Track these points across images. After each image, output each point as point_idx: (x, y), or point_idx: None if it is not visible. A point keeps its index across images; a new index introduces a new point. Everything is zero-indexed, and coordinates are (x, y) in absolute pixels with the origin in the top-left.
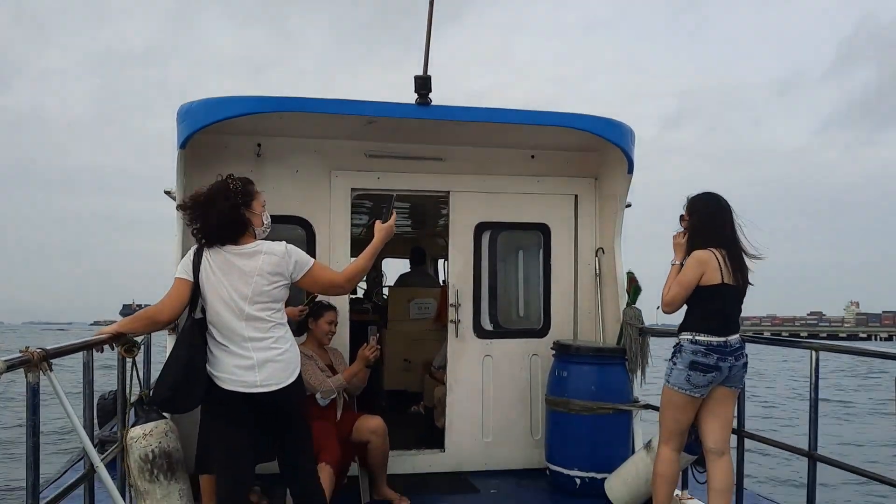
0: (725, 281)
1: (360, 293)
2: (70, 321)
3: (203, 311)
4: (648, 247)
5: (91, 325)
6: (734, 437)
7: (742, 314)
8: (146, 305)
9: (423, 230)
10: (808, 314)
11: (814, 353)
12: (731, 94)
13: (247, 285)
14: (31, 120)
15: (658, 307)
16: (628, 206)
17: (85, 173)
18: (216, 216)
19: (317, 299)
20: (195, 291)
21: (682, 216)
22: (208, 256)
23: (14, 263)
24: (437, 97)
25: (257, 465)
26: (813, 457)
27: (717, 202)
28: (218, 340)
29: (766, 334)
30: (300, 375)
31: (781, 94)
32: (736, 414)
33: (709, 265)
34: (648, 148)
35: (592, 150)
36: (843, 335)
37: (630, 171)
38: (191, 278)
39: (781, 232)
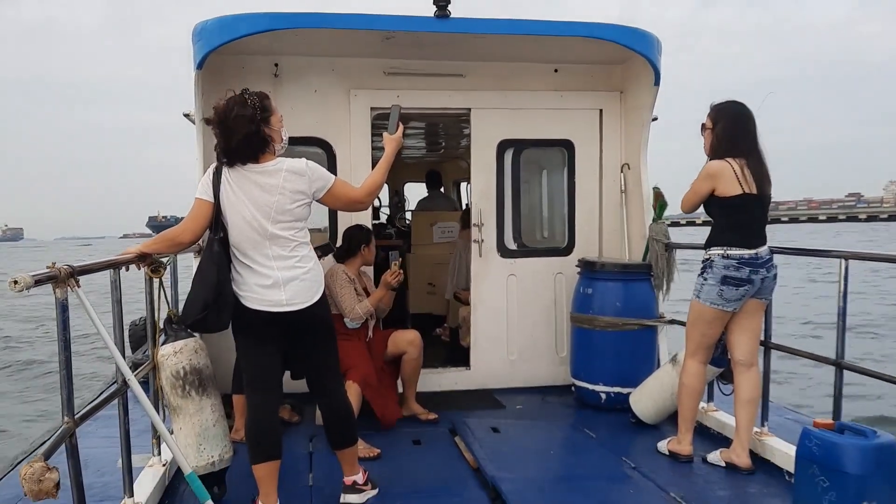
0: (746, 191)
1: (383, 218)
2: (102, 235)
3: (224, 230)
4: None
5: (121, 237)
6: (760, 349)
7: (776, 199)
8: (172, 216)
9: (443, 152)
10: (845, 195)
11: (843, 261)
12: None
13: (268, 204)
14: (42, 31)
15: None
16: (654, 119)
17: (99, 85)
18: (235, 134)
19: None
20: (217, 211)
21: (703, 125)
22: (227, 175)
23: (40, 179)
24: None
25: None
26: (840, 365)
27: (742, 111)
28: (241, 260)
29: (803, 218)
30: (325, 293)
31: None
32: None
33: (721, 177)
34: (678, 31)
35: (618, 62)
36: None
37: (657, 82)
38: (211, 199)
39: (817, 112)
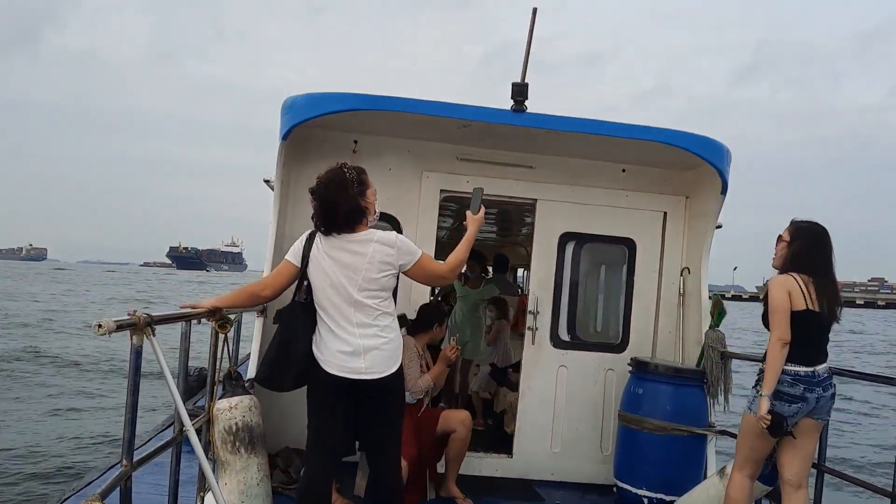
0: (810, 307)
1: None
2: (126, 261)
3: (307, 294)
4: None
5: (141, 265)
6: (813, 471)
7: None
8: (193, 248)
9: (506, 238)
10: (868, 280)
11: None
12: (812, 46)
13: (356, 272)
14: (86, 59)
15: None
16: (718, 227)
17: (136, 116)
18: (336, 205)
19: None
20: (303, 277)
21: (780, 236)
22: (320, 242)
23: (68, 202)
24: (494, 44)
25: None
26: None
27: (821, 233)
28: (327, 323)
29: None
30: (402, 365)
31: (863, 49)
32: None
33: (792, 289)
34: (708, 105)
35: (686, 167)
36: None
37: (724, 191)
38: (298, 264)
39: (842, 193)
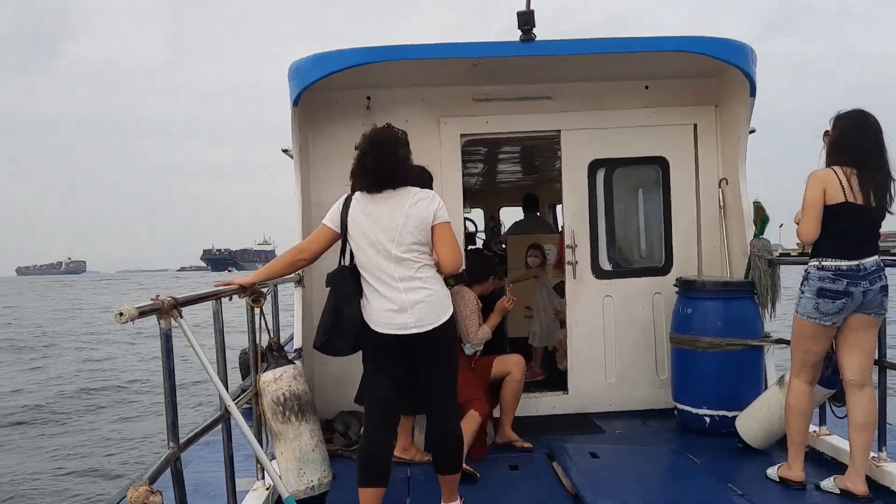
0: (850, 200)
1: (478, 243)
2: (165, 268)
3: (352, 257)
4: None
5: (178, 270)
6: (875, 368)
7: None
8: (226, 250)
9: (538, 175)
10: None
11: None
12: None
13: (394, 228)
14: (108, 69)
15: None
16: (752, 131)
17: (160, 122)
18: (399, 164)
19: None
20: (345, 241)
21: (826, 132)
22: (357, 202)
23: (104, 215)
24: (496, 30)
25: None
26: None
27: (862, 119)
28: (371, 284)
29: None
30: (452, 315)
31: None
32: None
33: (828, 182)
34: None
35: (710, 75)
36: None
37: (752, 93)
38: (336, 228)
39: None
